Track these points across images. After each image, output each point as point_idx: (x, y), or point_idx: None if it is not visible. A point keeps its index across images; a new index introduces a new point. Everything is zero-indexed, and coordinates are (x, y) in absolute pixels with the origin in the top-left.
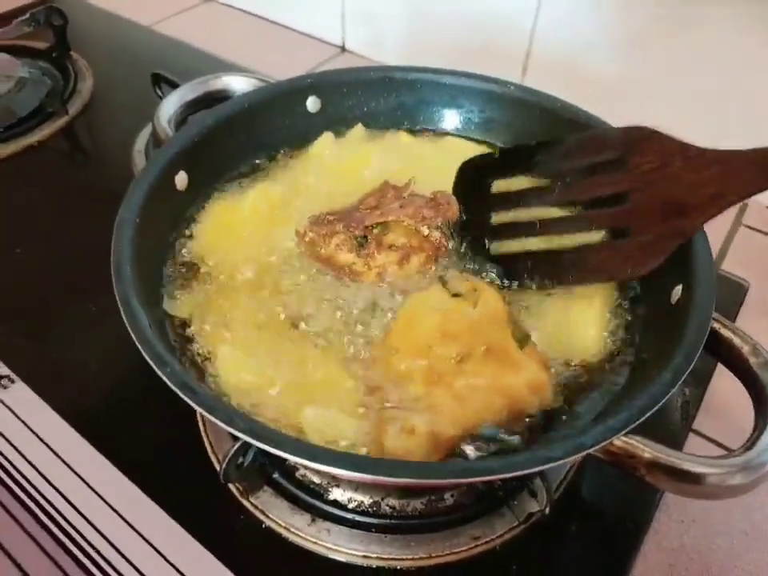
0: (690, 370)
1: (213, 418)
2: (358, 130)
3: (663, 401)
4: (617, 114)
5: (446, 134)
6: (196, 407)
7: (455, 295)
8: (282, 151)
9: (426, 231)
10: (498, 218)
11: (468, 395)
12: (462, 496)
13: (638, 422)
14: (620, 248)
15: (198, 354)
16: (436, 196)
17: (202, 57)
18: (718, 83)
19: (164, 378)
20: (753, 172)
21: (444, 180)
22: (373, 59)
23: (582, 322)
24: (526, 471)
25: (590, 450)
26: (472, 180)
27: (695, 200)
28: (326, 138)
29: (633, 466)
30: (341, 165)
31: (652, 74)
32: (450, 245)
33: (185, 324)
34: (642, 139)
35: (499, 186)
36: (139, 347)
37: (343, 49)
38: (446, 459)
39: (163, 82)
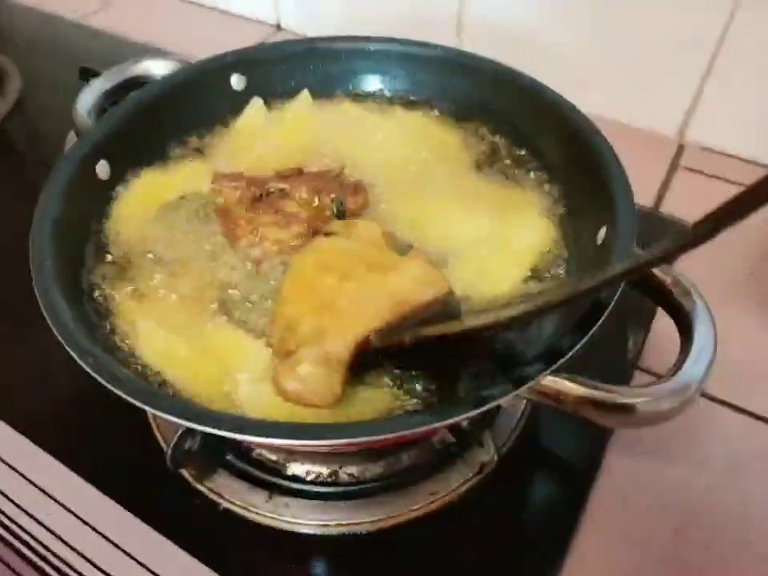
0: (611, 305)
1: (137, 403)
2: (303, 97)
3: (586, 338)
4: (550, 77)
5: (393, 103)
6: (121, 394)
7: (328, 234)
8: (209, 131)
9: (315, 201)
10: None
11: (353, 309)
12: (419, 455)
13: (561, 361)
14: None
15: (121, 335)
16: (352, 182)
17: (132, 46)
18: (656, 50)
19: (87, 369)
20: None
21: (384, 153)
22: (309, 35)
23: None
24: (456, 418)
25: (517, 392)
26: None
27: None
28: (256, 104)
29: (562, 404)
30: (277, 136)
31: (587, 37)
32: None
33: (107, 308)
34: None
35: None
36: (60, 340)
37: (279, 27)
38: (352, 378)
39: (92, 76)
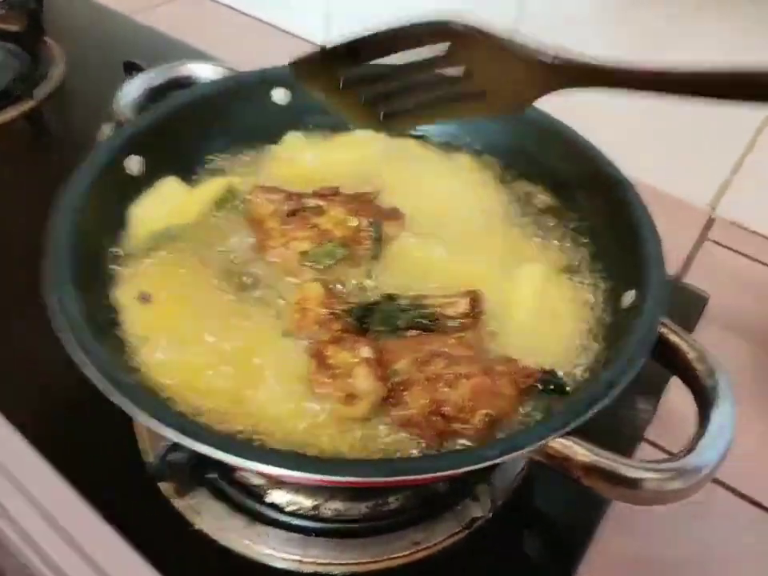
0: (634, 375)
1: (131, 410)
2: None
3: (601, 405)
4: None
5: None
6: (118, 403)
7: None
8: (247, 144)
9: (354, 222)
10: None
11: None
12: (407, 500)
13: (574, 424)
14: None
15: (129, 339)
16: (389, 207)
17: (179, 47)
18: (699, 121)
19: (83, 371)
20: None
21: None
22: None
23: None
24: (460, 470)
25: (524, 451)
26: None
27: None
28: (293, 138)
29: (568, 469)
30: (316, 158)
31: (636, 49)
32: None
33: (117, 306)
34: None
35: None
36: (60, 336)
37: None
38: None
39: (136, 71)
